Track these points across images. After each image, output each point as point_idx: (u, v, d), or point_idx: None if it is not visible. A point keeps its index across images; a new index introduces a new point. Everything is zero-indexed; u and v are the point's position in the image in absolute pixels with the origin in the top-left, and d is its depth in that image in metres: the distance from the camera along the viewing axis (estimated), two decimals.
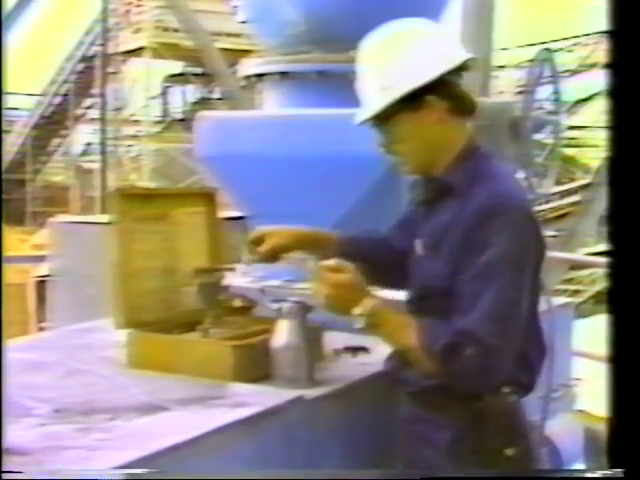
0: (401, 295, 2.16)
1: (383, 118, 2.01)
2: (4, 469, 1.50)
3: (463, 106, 2.04)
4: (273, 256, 2.30)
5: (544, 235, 2.00)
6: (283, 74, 3.15)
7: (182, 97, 21.28)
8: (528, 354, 2.00)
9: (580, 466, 3.08)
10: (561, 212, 13.53)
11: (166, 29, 16.98)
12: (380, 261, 2.23)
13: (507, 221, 1.89)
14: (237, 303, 2.46)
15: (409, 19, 2.06)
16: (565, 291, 11.32)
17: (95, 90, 18.36)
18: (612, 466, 1.51)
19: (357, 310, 1.93)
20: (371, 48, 2.05)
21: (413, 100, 1.97)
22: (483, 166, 2.01)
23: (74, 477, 1.59)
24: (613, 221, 1.59)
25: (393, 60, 1.98)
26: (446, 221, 1.98)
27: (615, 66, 1.59)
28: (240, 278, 3.16)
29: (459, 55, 2.03)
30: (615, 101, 1.59)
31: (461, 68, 2.03)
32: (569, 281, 12.67)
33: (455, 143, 2.04)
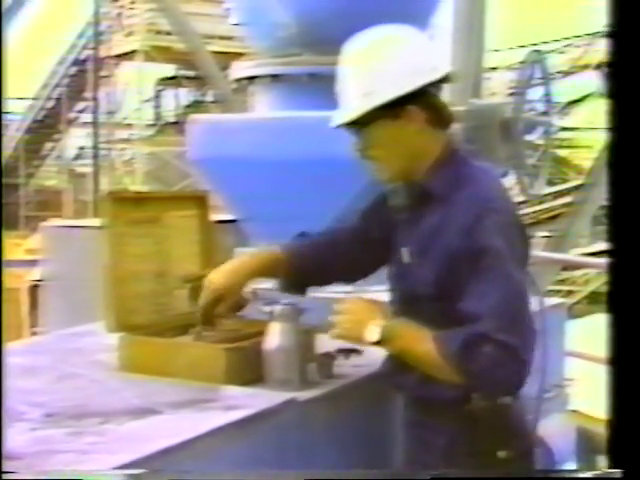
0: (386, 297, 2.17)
1: (362, 123, 2.00)
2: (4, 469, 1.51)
3: (441, 118, 2.04)
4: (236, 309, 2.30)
5: (528, 234, 2.02)
6: (274, 77, 3.16)
7: (175, 100, 21.25)
8: None
9: (572, 466, 3.08)
10: (554, 213, 13.54)
11: (158, 32, 16.96)
12: (334, 260, 2.26)
13: (496, 223, 1.89)
14: None
15: (393, 25, 2.06)
16: (559, 291, 11.34)
17: (88, 94, 18.34)
18: (611, 466, 1.51)
19: (372, 326, 1.92)
20: (355, 52, 2.03)
21: (394, 108, 1.97)
22: (462, 170, 2.01)
23: (73, 477, 1.60)
24: (613, 221, 1.60)
25: (377, 66, 1.97)
26: (431, 228, 1.98)
27: (615, 66, 1.60)
28: None
29: (441, 67, 2.03)
30: (615, 101, 1.59)
31: (441, 80, 2.03)
32: (563, 281, 12.70)
33: (432, 151, 2.03)
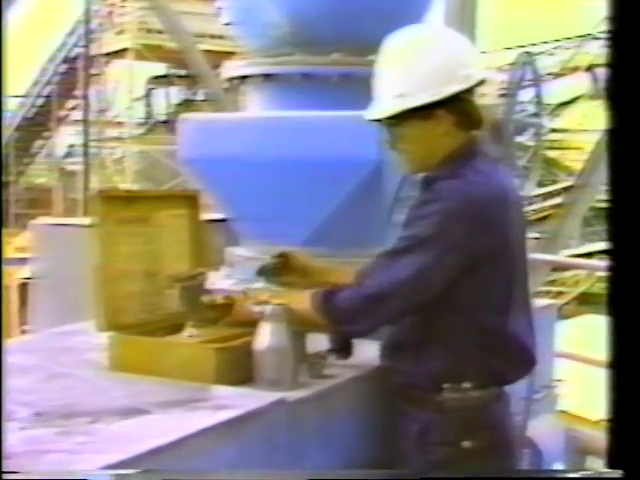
0: None
1: (393, 120, 2.10)
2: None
3: (470, 121, 2.11)
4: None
5: (497, 236, 2.05)
6: (266, 76, 3.15)
7: (166, 99, 21.18)
8: (494, 350, 2.06)
9: (561, 467, 3.09)
10: (544, 214, 13.59)
11: (149, 30, 16.90)
12: None
13: (441, 211, 1.98)
14: (219, 301, 2.46)
15: (432, 25, 2.13)
16: (548, 292, 11.37)
17: (78, 92, 18.25)
18: (611, 467, 1.52)
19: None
20: (393, 50, 2.11)
21: (424, 110, 2.05)
22: (461, 168, 2.07)
23: (74, 477, 1.59)
24: (613, 222, 1.60)
25: (412, 68, 2.05)
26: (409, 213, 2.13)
27: (615, 66, 1.60)
28: (223, 280, 3.16)
29: (476, 73, 2.08)
30: (614, 100, 1.60)
31: (475, 84, 2.09)
32: (552, 282, 12.73)
33: (451, 148, 2.11)
